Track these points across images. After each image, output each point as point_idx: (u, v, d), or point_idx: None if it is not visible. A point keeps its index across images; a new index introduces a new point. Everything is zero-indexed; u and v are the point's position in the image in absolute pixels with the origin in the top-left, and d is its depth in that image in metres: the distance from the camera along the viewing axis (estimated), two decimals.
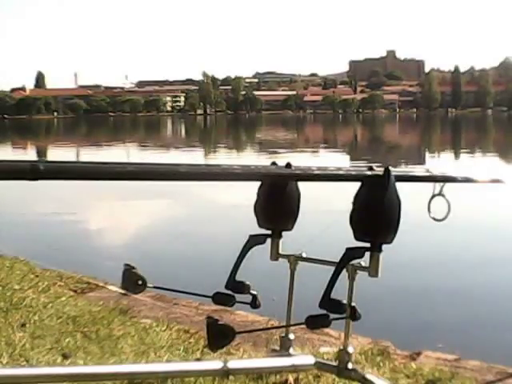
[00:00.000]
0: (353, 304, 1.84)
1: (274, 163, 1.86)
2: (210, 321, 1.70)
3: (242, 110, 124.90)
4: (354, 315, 1.84)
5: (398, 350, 3.30)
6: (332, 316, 1.79)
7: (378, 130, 54.99)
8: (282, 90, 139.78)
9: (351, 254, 1.85)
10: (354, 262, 1.87)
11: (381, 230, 1.86)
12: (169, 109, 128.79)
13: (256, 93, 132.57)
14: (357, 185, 1.89)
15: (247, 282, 1.94)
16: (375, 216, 1.85)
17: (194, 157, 22.64)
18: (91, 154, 25.16)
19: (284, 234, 2.04)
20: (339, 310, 1.80)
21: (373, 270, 1.86)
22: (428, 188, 2.07)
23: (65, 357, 2.81)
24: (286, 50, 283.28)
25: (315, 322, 1.79)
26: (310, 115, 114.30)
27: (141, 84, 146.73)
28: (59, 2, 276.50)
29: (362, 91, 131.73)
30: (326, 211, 6.07)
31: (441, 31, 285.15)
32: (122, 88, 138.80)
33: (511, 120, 75.51)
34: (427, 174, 2.07)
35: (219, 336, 1.69)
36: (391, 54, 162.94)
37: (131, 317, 3.65)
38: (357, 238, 1.87)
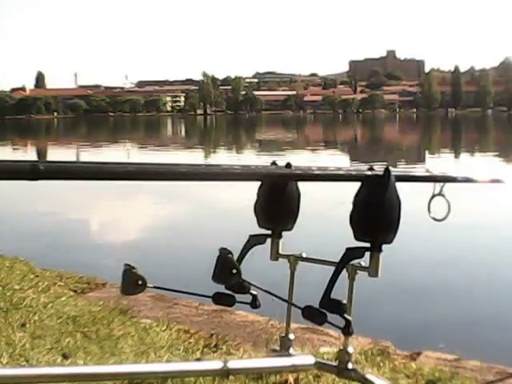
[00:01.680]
0: (349, 318, 1.81)
1: (274, 163, 1.86)
2: (223, 252, 1.70)
3: (242, 110, 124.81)
4: (347, 329, 1.82)
5: (398, 350, 3.30)
6: (330, 318, 1.78)
7: (378, 130, 54.98)
8: (282, 90, 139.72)
9: (351, 253, 1.85)
10: (354, 261, 1.87)
11: (381, 230, 1.86)
12: (169, 109, 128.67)
13: (256, 93, 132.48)
14: (357, 185, 1.89)
15: None
16: (375, 216, 1.85)
17: (194, 157, 22.64)
18: (91, 154, 25.15)
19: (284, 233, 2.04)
20: (339, 309, 1.79)
21: (373, 270, 1.86)
22: (428, 188, 2.07)
23: (65, 357, 2.81)
24: (286, 50, 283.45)
25: (311, 314, 1.78)
26: (310, 115, 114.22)
27: (141, 84, 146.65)
28: (59, 1, 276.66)
29: (362, 91, 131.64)
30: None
31: (441, 31, 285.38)
32: (122, 88, 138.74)
33: (511, 120, 75.47)
34: (427, 173, 2.07)
35: (225, 272, 1.69)
36: (391, 54, 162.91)
37: (131, 317, 3.65)
38: (357, 238, 1.87)
